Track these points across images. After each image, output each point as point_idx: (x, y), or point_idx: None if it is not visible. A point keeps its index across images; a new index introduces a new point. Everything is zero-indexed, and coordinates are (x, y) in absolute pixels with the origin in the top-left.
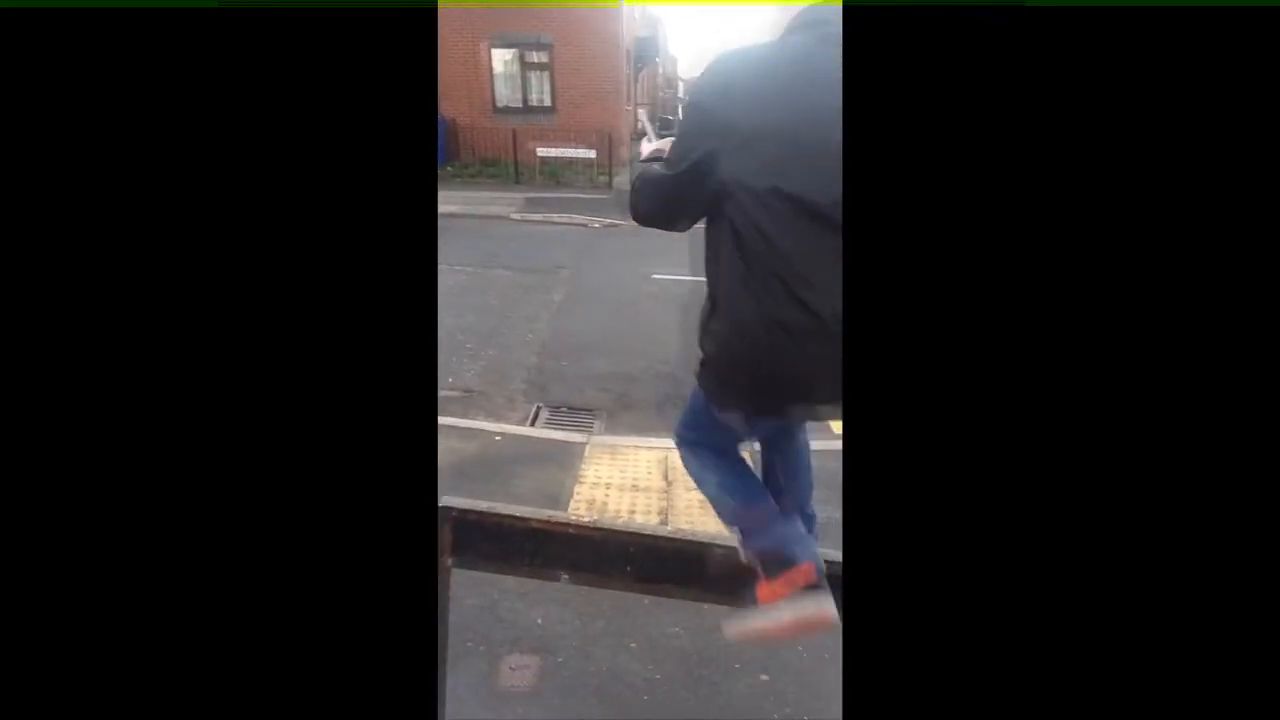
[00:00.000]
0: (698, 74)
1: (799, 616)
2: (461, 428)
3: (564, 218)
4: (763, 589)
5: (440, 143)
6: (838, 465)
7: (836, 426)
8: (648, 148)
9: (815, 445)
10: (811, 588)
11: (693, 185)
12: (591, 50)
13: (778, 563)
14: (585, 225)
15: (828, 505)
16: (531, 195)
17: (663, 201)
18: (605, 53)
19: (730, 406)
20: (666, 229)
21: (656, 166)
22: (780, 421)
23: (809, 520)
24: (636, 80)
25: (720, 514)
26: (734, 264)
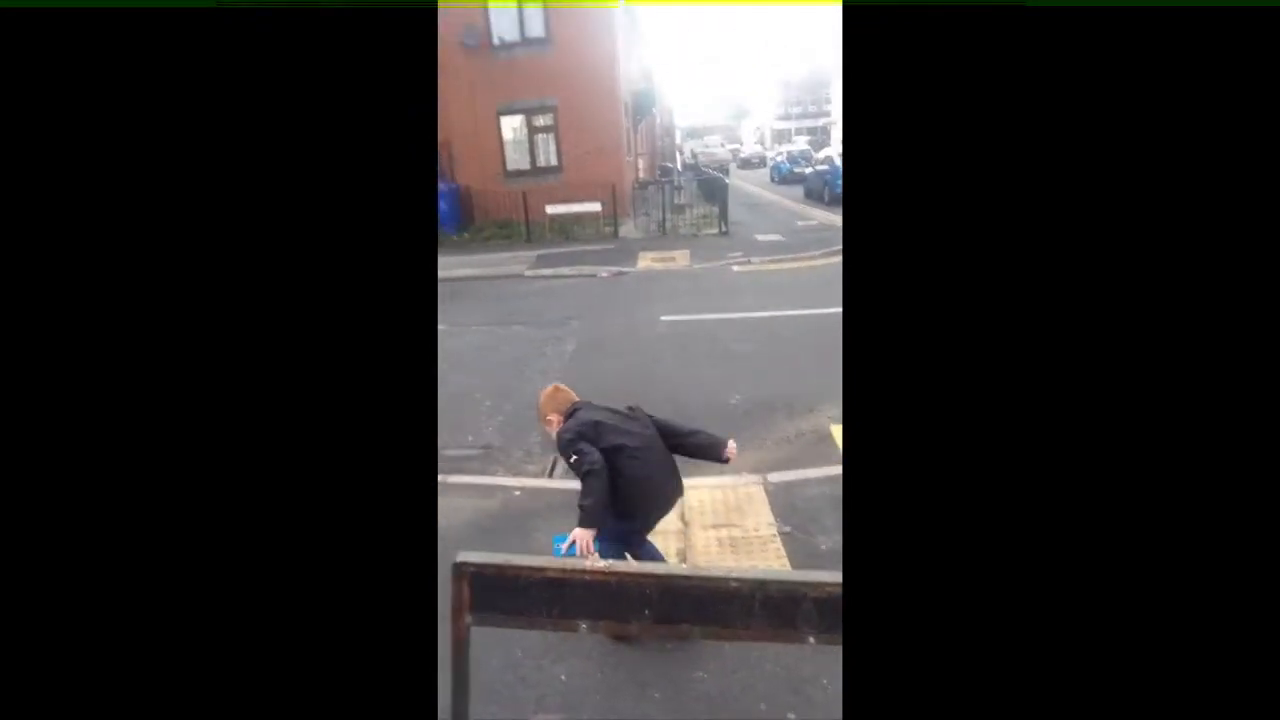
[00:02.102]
0: (564, 428)
1: None
2: (481, 484)
3: (574, 270)
4: None
5: (453, 210)
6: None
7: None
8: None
9: (822, 472)
10: None
11: (597, 468)
12: (593, 107)
13: None
14: (594, 275)
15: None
16: (543, 252)
17: (600, 486)
18: (606, 108)
19: (624, 529)
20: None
21: (578, 486)
22: (645, 528)
23: None
24: (636, 131)
25: None
26: (618, 480)
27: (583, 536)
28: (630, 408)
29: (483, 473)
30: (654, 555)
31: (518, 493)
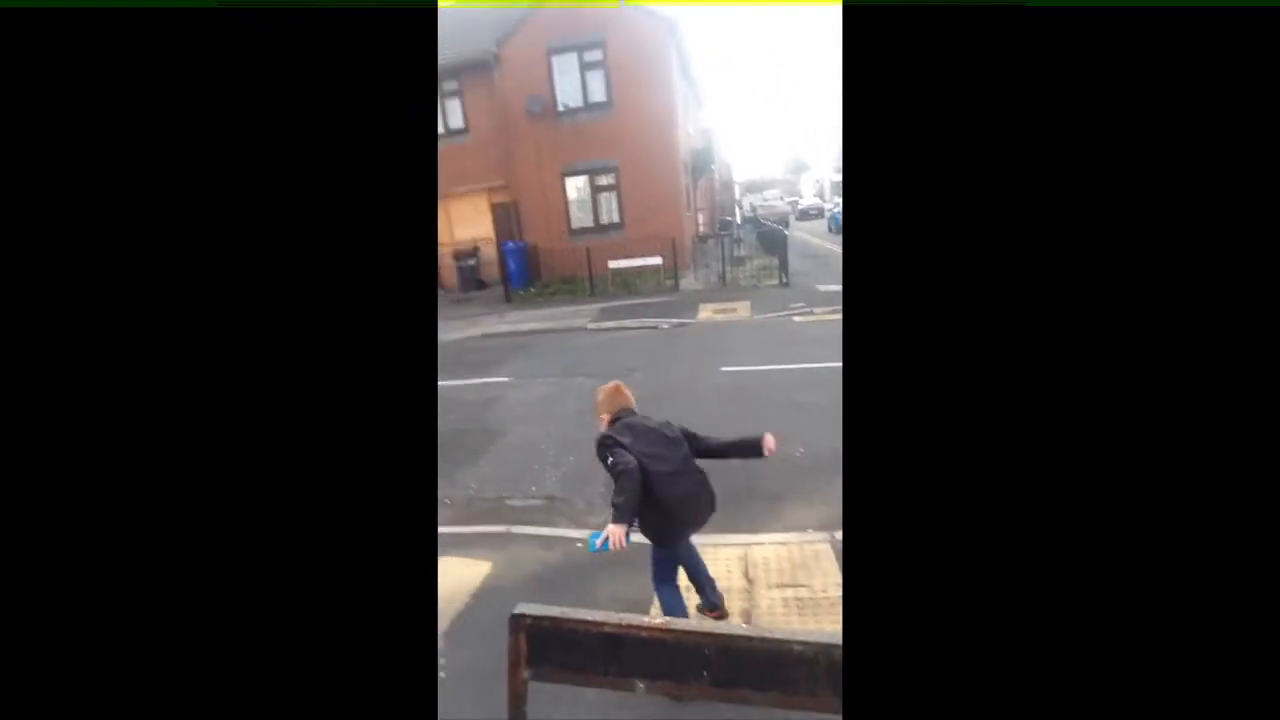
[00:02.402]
0: (606, 433)
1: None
2: (544, 535)
3: (636, 323)
4: None
5: (521, 267)
6: None
7: None
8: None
9: None
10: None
11: (630, 469)
12: (653, 166)
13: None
14: (656, 328)
15: None
16: (605, 305)
17: (632, 485)
18: (665, 166)
19: (666, 543)
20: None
21: (615, 496)
22: (684, 540)
23: (716, 594)
24: (695, 187)
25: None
26: (649, 489)
27: (615, 531)
28: (665, 423)
29: (545, 524)
30: (694, 559)
31: (580, 544)
